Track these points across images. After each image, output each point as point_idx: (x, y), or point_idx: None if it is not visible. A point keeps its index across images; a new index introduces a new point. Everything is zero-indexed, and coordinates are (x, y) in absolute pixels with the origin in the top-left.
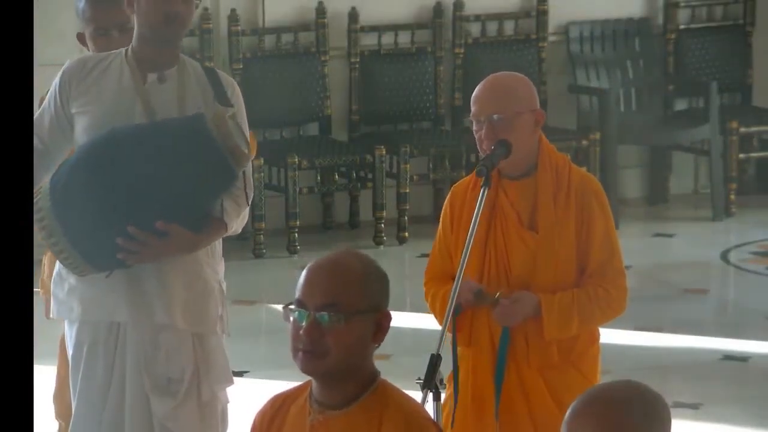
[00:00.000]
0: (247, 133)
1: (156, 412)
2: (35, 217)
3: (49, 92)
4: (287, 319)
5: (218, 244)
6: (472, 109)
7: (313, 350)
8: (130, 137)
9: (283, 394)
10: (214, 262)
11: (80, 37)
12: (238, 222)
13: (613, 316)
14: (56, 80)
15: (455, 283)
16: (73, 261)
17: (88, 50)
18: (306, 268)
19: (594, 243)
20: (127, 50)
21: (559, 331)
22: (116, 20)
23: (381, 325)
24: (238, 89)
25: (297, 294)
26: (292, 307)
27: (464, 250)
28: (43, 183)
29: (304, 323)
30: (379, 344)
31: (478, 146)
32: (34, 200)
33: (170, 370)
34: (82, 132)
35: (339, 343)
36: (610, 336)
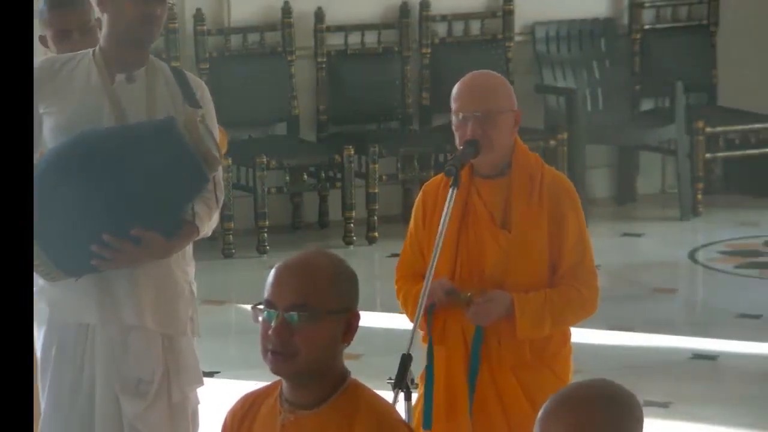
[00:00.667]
0: (217, 134)
1: (126, 413)
2: None
3: None
4: (256, 319)
5: (189, 246)
6: (455, 105)
7: (282, 351)
8: (100, 141)
9: (254, 394)
10: (184, 264)
11: (42, 40)
12: (209, 225)
13: (585, 316)
14: None
15: (425, 282)
16: (45, 267)
17: (49, 53)
18: (275, 267)
19: (567, 243)
20: (95, 50)
21: (531, 330)
22: (77, 22)
23: (351, 325)
24: (207, 91)
25: (266, 294)
26: (261, 307)
27: (434, 249)
28: None
29: (273, 323)
30: (349, 344)
31: (457, 142)
32: None
33: (140, 371)
34: (49, 132)
35: (308, 343)
36: (580, 335)
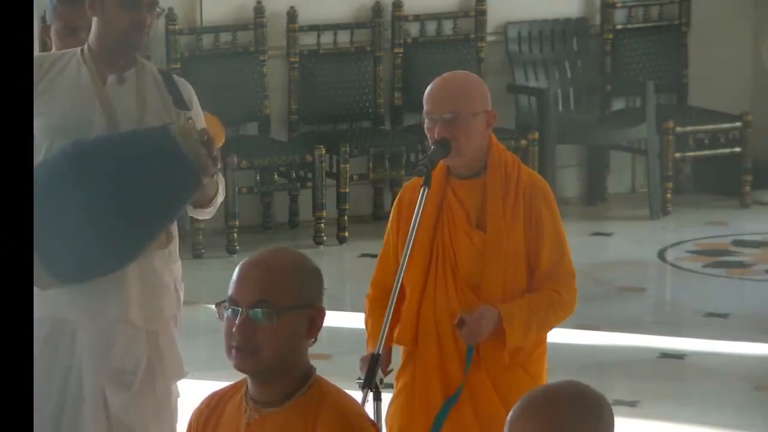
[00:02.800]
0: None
1: (112, 405)
2: None
3: None
4: (221, 316)
5: (174, 246)
6: (426, 106)
7: (245, 347)
8: (96, 149)
9: (219, 393)
10: (170, 262)
11: (45, 30)
12: (217, 198)
13: (565, 317)
14: None
15: (396, 282)
16: (37, 275)
17: (50, 43)
18: (238, 265)
19: (544, 244)
20: (82, 50)
21: (520, 340)
22: (88, 20)
23: (314, 321)
24: (194, 93)
25: (230, 292)
26: (225, 304)
27: (404, 251)
28: None
29: (237, 321)
30: (314, 340)
31: (429, 142)
32: None
33: (125, 362)
34: (42, 132)
35: (272, 339)
36: (549, 335)
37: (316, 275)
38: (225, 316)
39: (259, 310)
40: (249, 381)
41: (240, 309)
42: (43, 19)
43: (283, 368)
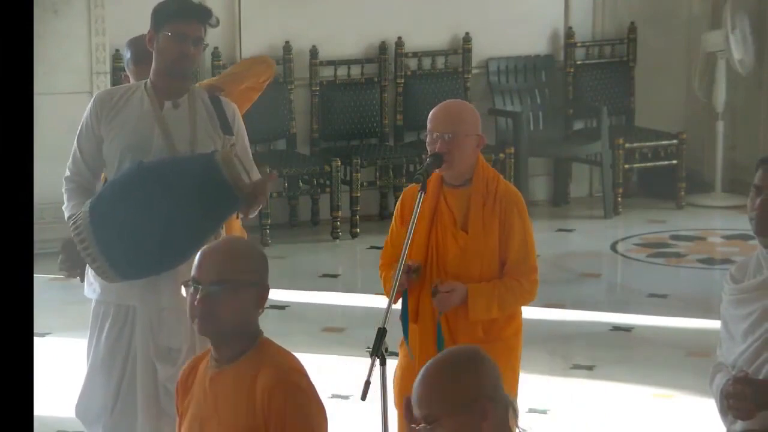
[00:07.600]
0: (249, 150)
1: (160, 375)
2: (77, 238)
3: (83, 121)
4: (186, 293)
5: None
6: (429, 125)
7: (206, 316)
8: (154, 172)
9: (196, 358)
10: None
11: (125, 79)
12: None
13: (525, 303)
14: (89, 108)
15: (398, 270)
16: (104, 270)
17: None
18: (200, 251)
19: (512, 244)
20: (146, 82)
21: (481, 314)
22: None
23: (261, 296)
24: (238, 112)
25: (192, 272)
26: (189, 282)
27: (405, 243)
28: (81, 212)
29: (198, 296)
30: (262, 311)
31: (428, 154)
32: (75, 225)
33: (171, 342)
34: (110, 151)
35: (227, 310)
36: (524, 312)
37: (262, 259)
38: (189, 292)
39: (218, 287)
40: (211, 345)
41: (200, 286)
42: (122, 69)
43: (236, 333)
